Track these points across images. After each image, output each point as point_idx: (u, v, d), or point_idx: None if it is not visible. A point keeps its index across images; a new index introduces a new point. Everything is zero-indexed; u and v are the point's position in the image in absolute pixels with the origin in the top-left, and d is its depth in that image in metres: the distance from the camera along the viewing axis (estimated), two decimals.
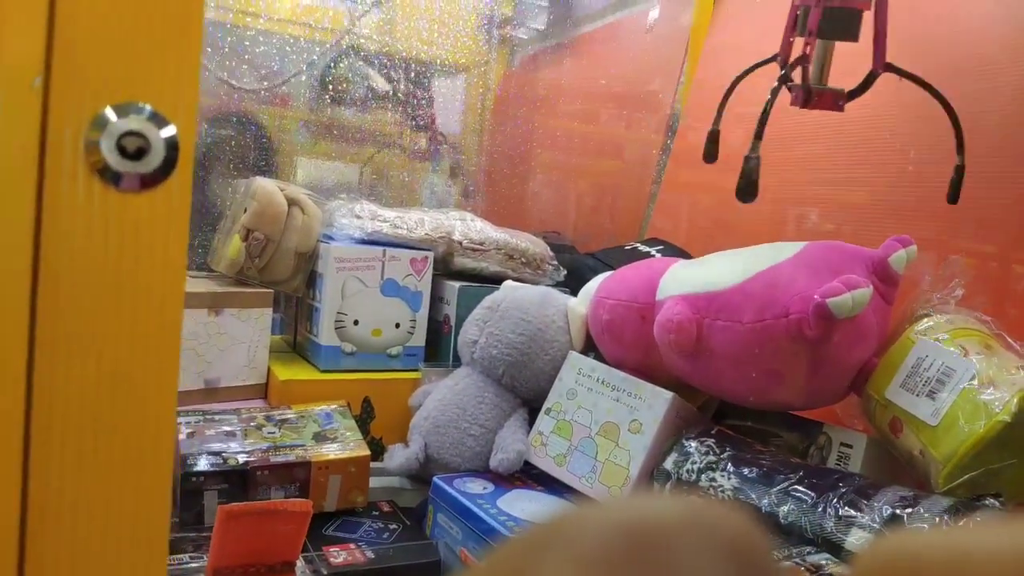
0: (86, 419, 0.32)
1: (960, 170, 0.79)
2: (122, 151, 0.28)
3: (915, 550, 0.16)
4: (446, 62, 1.35)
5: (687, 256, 1.15)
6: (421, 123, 1.35)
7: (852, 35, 0.80)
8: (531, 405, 0.96)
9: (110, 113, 0.28)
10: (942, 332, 0.72)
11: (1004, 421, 0.63)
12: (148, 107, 0.29)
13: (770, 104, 0.79)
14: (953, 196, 0.79)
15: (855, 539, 0.63)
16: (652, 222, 1.42)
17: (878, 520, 0.63)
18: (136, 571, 0.34)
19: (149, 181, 0.29)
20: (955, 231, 0.90)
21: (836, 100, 0.82)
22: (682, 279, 0.85)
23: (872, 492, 0.66)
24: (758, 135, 0.78)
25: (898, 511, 0.63)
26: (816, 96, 0.81)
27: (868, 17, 0.81)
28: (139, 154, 0.29)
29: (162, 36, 0.29)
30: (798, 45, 0.83)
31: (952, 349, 0.70)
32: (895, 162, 0.99)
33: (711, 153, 0.93)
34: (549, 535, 0.16)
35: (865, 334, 0.74)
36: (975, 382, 0.67)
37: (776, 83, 0.80)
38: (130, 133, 0.28)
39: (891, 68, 0.81)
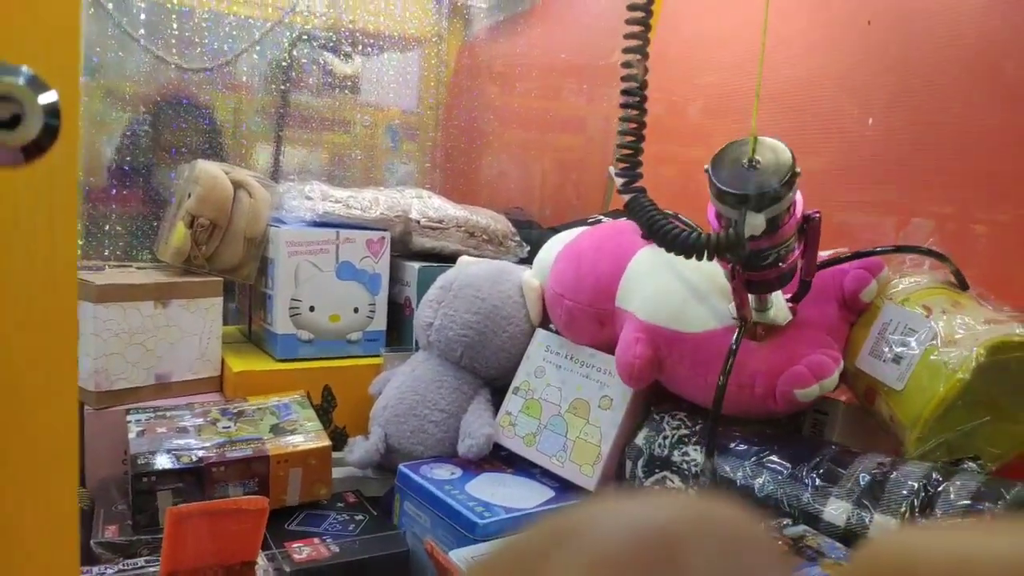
0: None
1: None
2: None
3: (914, 551, 0.16)
4: (399, 34, 1.31)
5: None
6: (374, 99, 1.31)
7: (781, 286, 0.69)
8: (493, 385, 0.93)
9: None
10: (908, 294, 0.70)
11: (963, 379, 0.61)
12: (25, 69, 0.25)
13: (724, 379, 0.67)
14: None
15: (833, 509, 0.61)
16: (616, 194, 1.39)
17: (856, 489, 0.61)
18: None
19: (27, 153, 0.25)
20: (914, 193, 0.88)
21: None
22: (644, 294, 0.79)
23: (848, 460, 0.64)
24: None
25: (877, 478, 0.61)
26: (762, 331, 0.72)
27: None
28: (14, 122, 0.25)
29: None
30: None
31: (915, 310, 0.68)
32: (854, 126, 0.97)
33: None
34: (559, 534, 0.16)
35: None
36: (936, 342, 0.65)
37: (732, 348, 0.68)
38: (1, 98, 0.25)
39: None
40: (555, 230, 1.23)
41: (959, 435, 0.63)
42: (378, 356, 1.04)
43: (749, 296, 0.69)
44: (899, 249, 0.76)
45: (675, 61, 1.26)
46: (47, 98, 0.25)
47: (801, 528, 0.60)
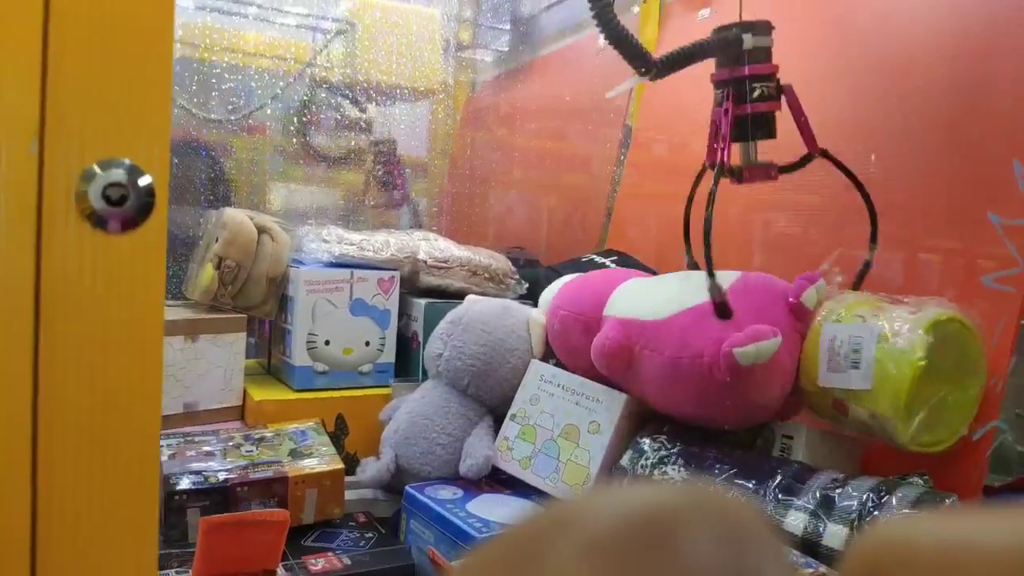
0: (83, 436, 0.37)
1: (867, 266, 0.87)
2: (107, 199, 0.33)
3: (910, 536, 0.16)
4: (409, 89, 1.41)
5: (641, 265, 1.20)
6: (385, 149, 1.41)
7: (769, 133, 0.85)
8: (496, 412, 1.01)
9: (96, 168, 0.33)
10: (838, 312, 0.78)
11: (921, 363, 0.69)
12: (128, 161, 0.34)
13: (710, 211, 0.82)
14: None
15: (792, 520, 0.68)
16: (613, 233, 1.47)
17: (811, 502, 0.68)
18: (128, 569, 0.39)
19: (130, 223, 0.34)
20: (916, 228, 0.93)
21: (769, 172, 0.87)
22: (627, 299, 0.90)
23: (807, 477, 0.72)
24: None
25: (829, 492, 0.68)
26: (748, 173, 0.86)
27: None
28: (121, 201, 0.34)
29: (138, 102, 0.34)
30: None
31: (852, 321, 0.76)
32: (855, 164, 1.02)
33: None
34: (555, 521, 0.17)
35: (780, 370, 0.78)
36: (884, 338, 0.72)
37: (711, 191, 0.84)
38: (113, 184, 0.33)
39: (826, 155, 0.87)
40: (553, 267, 1.31)
41: (931, 410, 0.71)
42: (387, 386, 1.12)
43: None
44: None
45: (665, 105, 1.34)
46: (144, 181, 0.34)
47: None
